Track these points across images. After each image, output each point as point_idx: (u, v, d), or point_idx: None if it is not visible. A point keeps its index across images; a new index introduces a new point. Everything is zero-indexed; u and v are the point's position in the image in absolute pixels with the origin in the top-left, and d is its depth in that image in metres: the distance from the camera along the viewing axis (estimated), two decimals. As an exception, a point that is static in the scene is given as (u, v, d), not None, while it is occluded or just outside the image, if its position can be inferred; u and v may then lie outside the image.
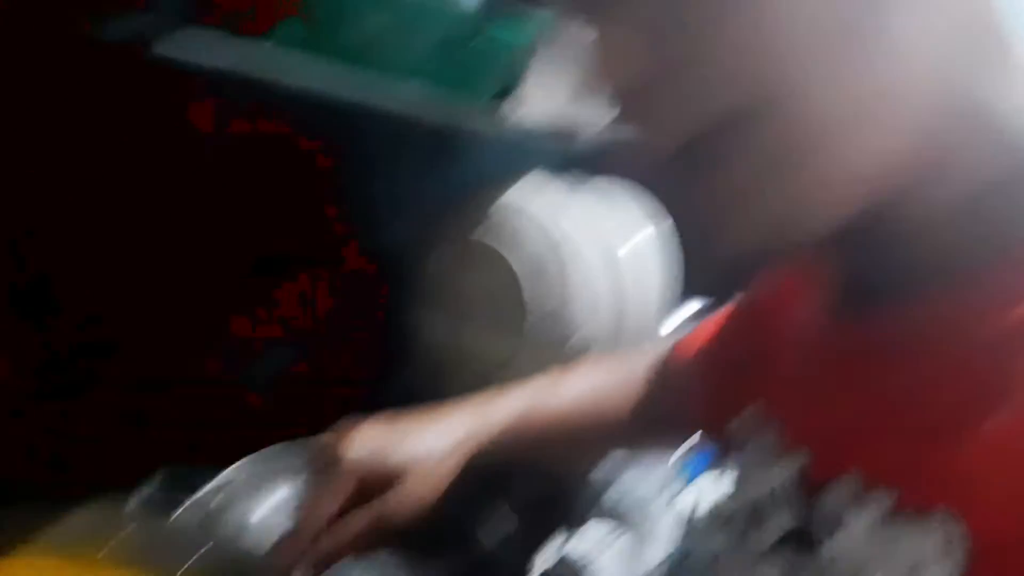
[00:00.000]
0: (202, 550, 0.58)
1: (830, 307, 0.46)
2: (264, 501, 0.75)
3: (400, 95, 0.79)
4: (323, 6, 0.73)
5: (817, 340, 0.47)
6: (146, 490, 0.68)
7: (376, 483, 0.61)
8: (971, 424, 0.35)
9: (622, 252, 1.01)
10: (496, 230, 0.98)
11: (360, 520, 0.60)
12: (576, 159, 1.05)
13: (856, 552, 0.38)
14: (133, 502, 0.67)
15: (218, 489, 0.74)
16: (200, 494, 0.73)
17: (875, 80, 0.34)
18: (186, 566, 0.58)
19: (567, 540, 0.84)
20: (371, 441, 0.63)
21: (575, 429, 0.70)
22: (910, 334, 0.39)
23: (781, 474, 0.45)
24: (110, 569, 0.63)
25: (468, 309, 0.98)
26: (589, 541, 0.84)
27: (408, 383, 0.99)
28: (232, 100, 0.81)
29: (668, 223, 1.04)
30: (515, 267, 0.96)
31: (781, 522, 0.44)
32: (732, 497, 0.49)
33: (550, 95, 0.96)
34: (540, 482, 0.86)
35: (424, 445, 0.64)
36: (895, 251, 0.40)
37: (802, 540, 0.42)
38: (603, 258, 0.99)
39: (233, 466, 0.74)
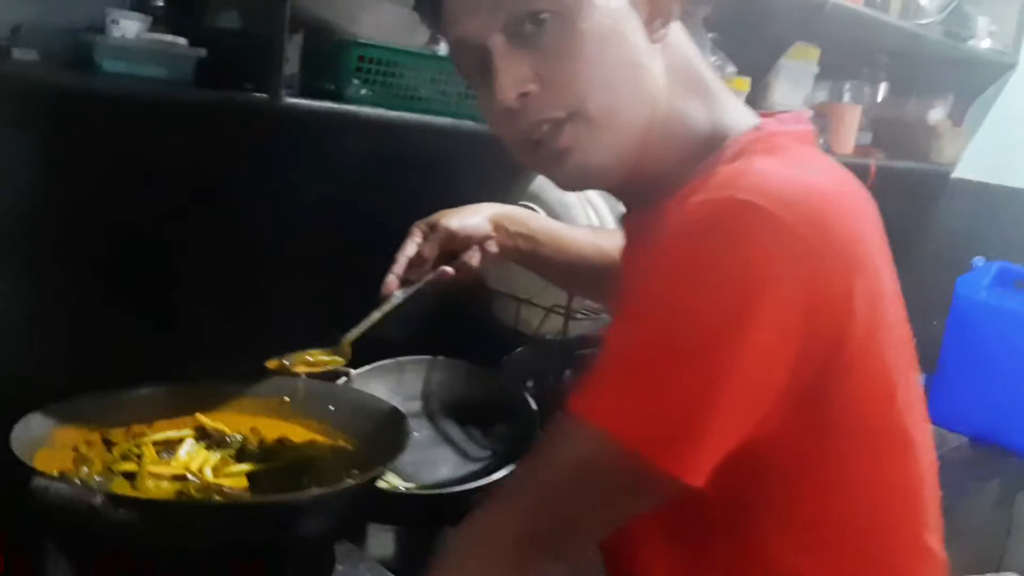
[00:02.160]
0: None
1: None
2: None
3: (442, 125, 1.25)
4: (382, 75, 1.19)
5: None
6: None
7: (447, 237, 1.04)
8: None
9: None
10: (533, 198, 1.44)
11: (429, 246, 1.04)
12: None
13: None
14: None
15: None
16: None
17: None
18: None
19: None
20: (440, 216, 1.06)
21: (560, 245, 1.11)
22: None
23: None
24: (297, 415, 1.11)
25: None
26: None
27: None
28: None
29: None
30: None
31: None
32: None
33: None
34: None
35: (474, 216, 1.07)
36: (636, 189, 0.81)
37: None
38: (602, 219, 1.42)
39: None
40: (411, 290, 1.03)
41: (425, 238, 1.05)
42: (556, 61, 0.71)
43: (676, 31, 0.77)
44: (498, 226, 1.08)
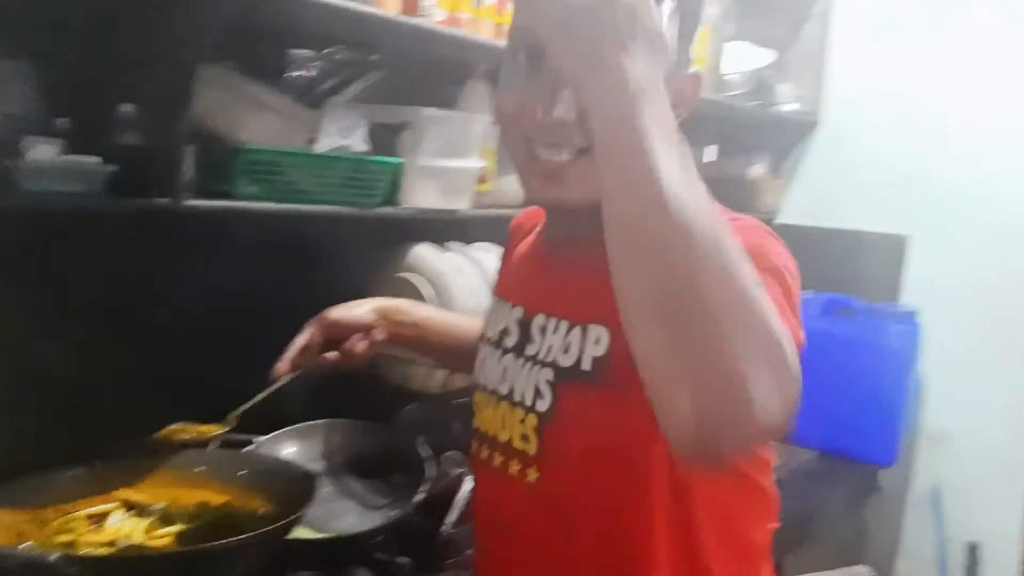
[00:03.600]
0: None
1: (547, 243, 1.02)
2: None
3: (325, 212, 1.42)
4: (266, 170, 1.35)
5: (540, 255, 1.04)
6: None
7: (331, 325, 1.18)
8: (598, 293, 0.83)
9: (484, 282, 1.64)
10: (409, 269, 1.62)
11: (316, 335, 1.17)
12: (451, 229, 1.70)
13: (548, 345, 0.92)
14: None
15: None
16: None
17: None
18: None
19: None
20: (333, 310, 1.20)
21: (443, 331, 1.26)
22: (581, 259, 0.90)
23: (514, 314, 0.99)
24: (212, 482, 1.23)
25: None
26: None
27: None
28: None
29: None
30: (421, 290, 1.59)
31: (513, 338, 0.98)
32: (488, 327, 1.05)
33: (426, 191, 1.59)
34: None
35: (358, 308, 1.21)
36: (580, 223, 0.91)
37: (520, 345, 0.96)
38: (470, 283, 1.61)
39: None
40: (295, 374, 1.18)
41: (314, 328, 1.20)
42: None
43: None
44: (384, 316, 1.22)
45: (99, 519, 1.12)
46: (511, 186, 1.70)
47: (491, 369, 1.00)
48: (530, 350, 0.95)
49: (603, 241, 0.68)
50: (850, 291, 2.44)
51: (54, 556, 0.88)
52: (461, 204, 1.64)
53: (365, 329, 1.19)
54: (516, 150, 0.90)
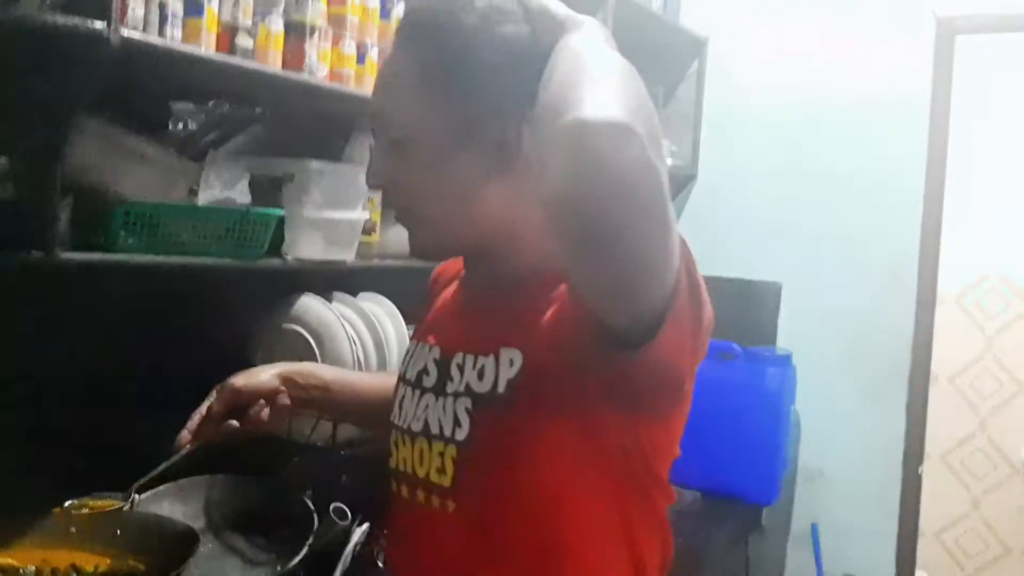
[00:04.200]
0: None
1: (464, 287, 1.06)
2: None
3: (207, 264, 1.41)
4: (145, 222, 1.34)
5: (459, 299, 1.06)
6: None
7: (234, 393, 1.17)
8: (511, 321, 0.92)
9: (370, 332, 1.65)
10: (295, 320, 1.62)
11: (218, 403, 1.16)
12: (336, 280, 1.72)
13: (465, 381, 0.94)
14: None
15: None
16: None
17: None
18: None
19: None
20: (235, 377, 1.19)
21: (350, 392, 1.26)
22: (495, 295, 0.97)
23: (432, 354, 1.01)
24: (85, 543, 1.19)
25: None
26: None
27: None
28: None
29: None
30: (309, 340, 1.59)
31: (432, 378, 0.99)
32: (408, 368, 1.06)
33: (311, 242, 1.60)
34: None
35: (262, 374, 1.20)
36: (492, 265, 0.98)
37: (440, 385, 0.97)
38: (356, 333, 1.62)
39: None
40: (198, 444, 1.17)
41: (217, 397, 1.18)
42: (401, 171, 0.94)
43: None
44: (287, 380, 1.21)
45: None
46: (397, 237, 1.73)
47: (408, 408, 1.02)
48: (449, 388, 0.97)
49: (515, 278, 0.85)
50: (730, 336, 2.54)
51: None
52: (347, 255, 1.66)
53: (269, 395, 1.19)
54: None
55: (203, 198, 1.40)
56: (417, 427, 0.99)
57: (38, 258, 1.12)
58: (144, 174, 1.30)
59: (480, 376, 0.94)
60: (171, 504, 1.38)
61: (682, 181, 2.79)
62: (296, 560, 1.30)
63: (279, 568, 1.31)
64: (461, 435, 0.94)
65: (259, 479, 1.46)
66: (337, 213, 1.60)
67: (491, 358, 0.93)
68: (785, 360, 2.52)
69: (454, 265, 1.15)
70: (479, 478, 0.93)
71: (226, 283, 1.55)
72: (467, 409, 0.94)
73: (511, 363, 0.91)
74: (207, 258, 1.39)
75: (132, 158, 1.30)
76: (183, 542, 1.14)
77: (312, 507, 1.40)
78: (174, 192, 1.36)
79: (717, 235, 2.72)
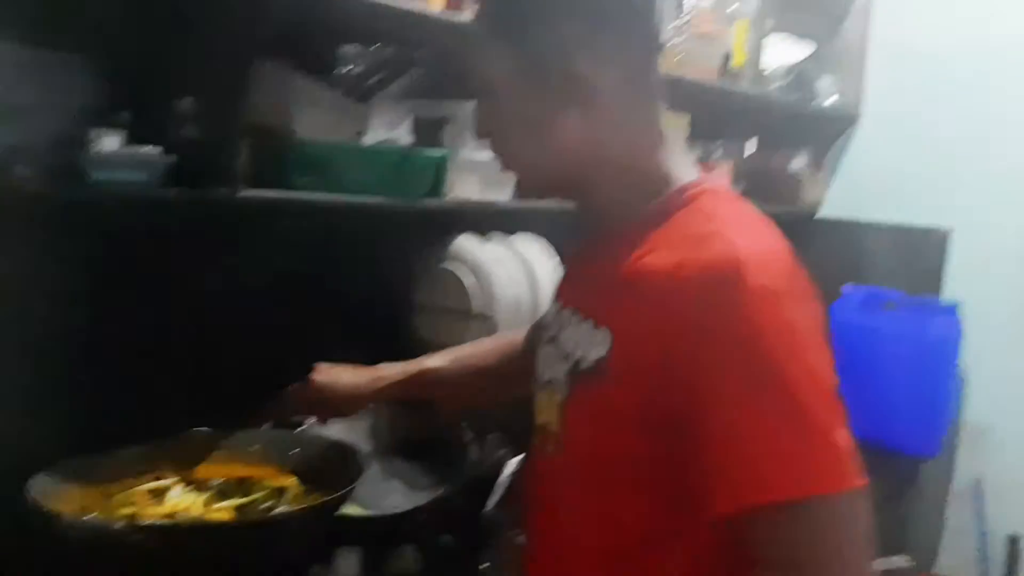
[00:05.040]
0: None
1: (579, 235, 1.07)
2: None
3: (372, 203, 1.47)
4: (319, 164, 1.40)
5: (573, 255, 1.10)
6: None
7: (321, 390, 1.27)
8: (614, 289, 0.93)
9: (526, 272, 1.68)
10: (452, 262, 1.66)
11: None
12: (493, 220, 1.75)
13: (571, 335, 0.96)
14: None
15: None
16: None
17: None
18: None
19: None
20: (328, 371, 1.28)
21: (459, 375, 1.30)
22: (595, 254, 0.99)
23: (553, 308, 1.04)
24: (265, 460, 1.29)
25: (441, 309, 1.66)
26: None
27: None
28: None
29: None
30: (463, 280, 1.63)
31: (551, 330, 1.02)
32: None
33: (469, 184, 1.63)
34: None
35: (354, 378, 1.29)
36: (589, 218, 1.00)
37: (553, 337, 1.01)
38: (514, 277, 1.65)
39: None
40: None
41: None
42: (492, 118, 0.97)
43: (621, 96, 0.94)
44: (394, 386, 1.29)
45: (159, 494, 1.18)
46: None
47: (540, 361, 1.05)
48: (561, 338, 0.99)
49: (607, 227, 0.89)
50: (892, 284, 2.44)
51: (119, 525, 0.94)
52: (502, 196, 1.68)
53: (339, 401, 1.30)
54: None
55: (370, 139, 1.45)
56: (544, 376, 1.02)
57: (223, 194, 1.20)
58: (316, 116, 1.36)
59: (578, 342, 0.95)
60: (341, 430, 1.48)
61: (844, 121, 2.66)
62: (455, 487, 1.37)
63: (440, 492, 1.38)
64: (564, 390, 0.96)
65: (421, 409, 1.53)
66: (494, 154, 1.63)
67: (588, 327, 0.94)
68: (951, 310, 2.39)
69: None
70: (575, 430, 0.95)
71: (389, 223, 1.61)
72: (566, 370, 0.95)
73: (602, 341, 0.91)
74: (373, 197, 1.44)
75: (305, 100, 1.36)
76: (352, 464, 1.21)
77: (470, 438, 1.46)
78: (342, 133, 1.42)
79: (881, 180, 2.60)
